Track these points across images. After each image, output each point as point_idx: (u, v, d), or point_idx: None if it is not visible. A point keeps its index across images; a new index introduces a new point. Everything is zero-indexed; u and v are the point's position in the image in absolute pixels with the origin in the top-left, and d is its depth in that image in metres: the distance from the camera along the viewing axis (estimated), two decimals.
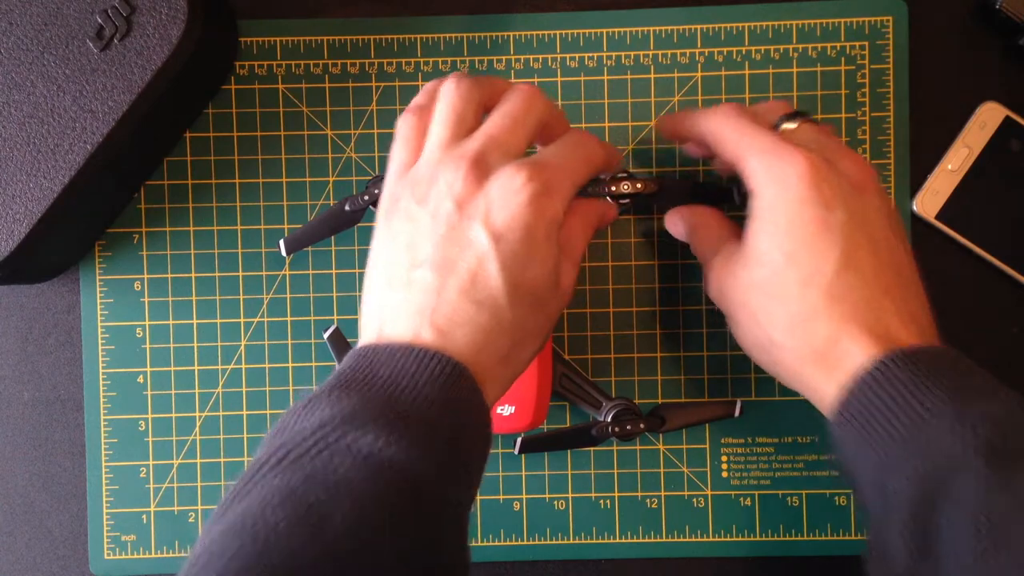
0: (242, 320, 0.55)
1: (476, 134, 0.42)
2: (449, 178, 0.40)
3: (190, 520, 0.55)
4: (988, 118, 0.54)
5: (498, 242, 0.39)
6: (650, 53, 0.55)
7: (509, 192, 0.40)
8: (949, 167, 0.54)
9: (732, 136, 0.43)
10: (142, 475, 0.55)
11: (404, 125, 0.44)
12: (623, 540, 0.55)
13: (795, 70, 0.55)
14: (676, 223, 0.50)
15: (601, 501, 0.55)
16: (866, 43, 0.55)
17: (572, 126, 0.46)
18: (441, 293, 0.39)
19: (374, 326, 0.40)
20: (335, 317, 0.55)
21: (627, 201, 0.50)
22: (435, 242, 0.40)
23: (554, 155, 0.43)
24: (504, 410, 0.50)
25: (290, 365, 0.55)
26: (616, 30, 0.55)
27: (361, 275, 0.55)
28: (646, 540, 0.55)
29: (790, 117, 0.45)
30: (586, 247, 0.45)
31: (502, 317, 0.39)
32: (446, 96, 0.43)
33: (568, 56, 0.55)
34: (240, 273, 0.55)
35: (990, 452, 0.35)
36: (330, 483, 0.34)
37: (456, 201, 0.40)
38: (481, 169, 0.40)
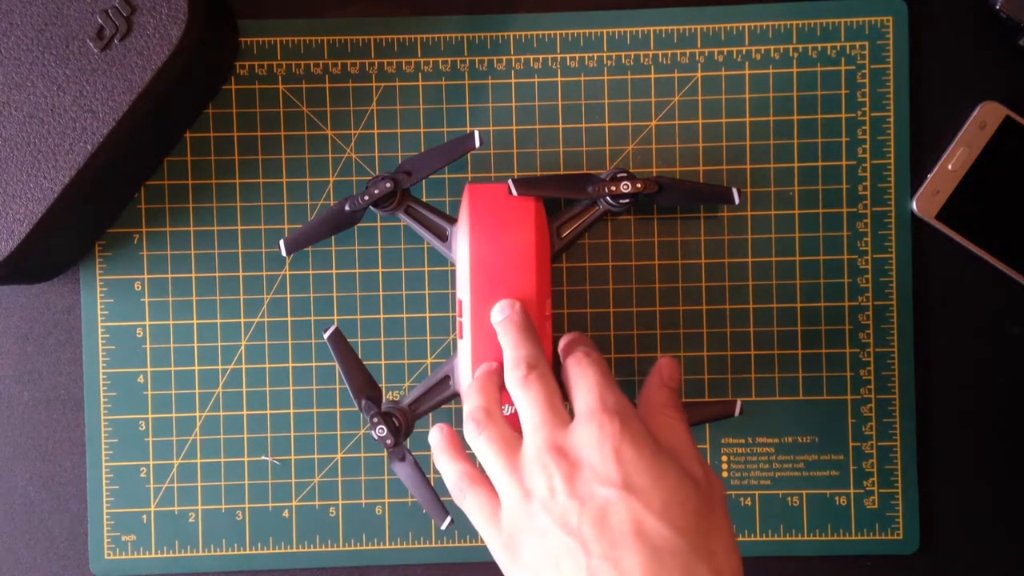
0: (242, 320, 0.55)
1: (580, 427, 0.41)
2: (597, 470, 0.40)
3: (190, 520, 0.55)
4: (988, 118, 0.54)
5: (634, 493, 0.39)
6: (650, 53, 0.55)
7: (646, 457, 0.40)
8: (949, 167, 0.54)
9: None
10: (142, 475, 0.55)
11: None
12: None
13: (795, 70, 0.55)
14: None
15: None
16: (866, 43, 0.55)
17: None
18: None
19: None
20: (335, 317, 0.55)
21: (627, 201, 0.50)
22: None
23: (610, 391, 0.42)
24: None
25: (290, 365, 0.55)
26: (616, 30, 0.55)
27: (361, 275, 0.55)
28: None
29: None
30: (689, 429, 0.44)
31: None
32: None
33: (568, 56, 0.55)
34: (240, 273, 0.55)
35: None
36: None
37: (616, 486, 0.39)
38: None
